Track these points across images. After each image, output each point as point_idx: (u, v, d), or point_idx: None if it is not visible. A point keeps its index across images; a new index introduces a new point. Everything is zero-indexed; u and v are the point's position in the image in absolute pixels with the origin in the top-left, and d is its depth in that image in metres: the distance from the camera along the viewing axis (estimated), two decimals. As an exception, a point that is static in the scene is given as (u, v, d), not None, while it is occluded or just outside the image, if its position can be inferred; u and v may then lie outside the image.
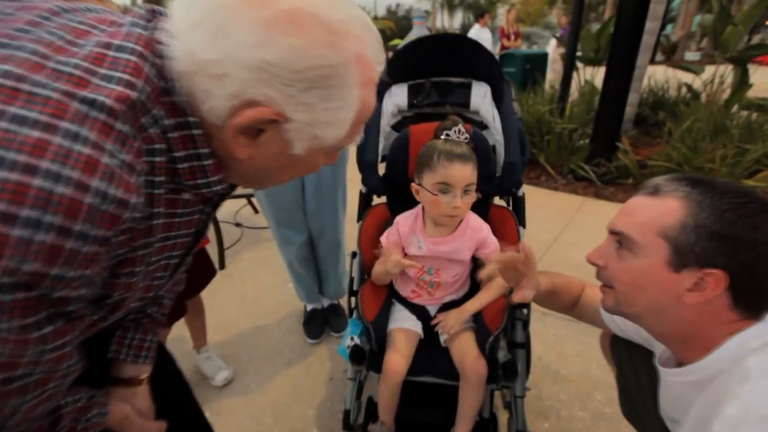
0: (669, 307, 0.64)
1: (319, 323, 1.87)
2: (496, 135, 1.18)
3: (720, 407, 0.56)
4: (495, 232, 1.06)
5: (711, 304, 0.61)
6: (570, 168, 3.50)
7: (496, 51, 6.60)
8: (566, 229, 2.74)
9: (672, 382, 0.73)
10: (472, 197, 0.97)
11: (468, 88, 1.20)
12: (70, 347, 0.44)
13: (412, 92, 1.23)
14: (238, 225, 3.00)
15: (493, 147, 1.18)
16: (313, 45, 0.41)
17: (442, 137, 0.97)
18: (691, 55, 13.30)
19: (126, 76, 0.39)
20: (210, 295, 2.16)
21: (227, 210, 3.15)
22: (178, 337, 1.81)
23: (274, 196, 1.57)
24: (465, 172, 0.94)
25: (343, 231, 1.74)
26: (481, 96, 1.19)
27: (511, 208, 1.19)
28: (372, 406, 1.01)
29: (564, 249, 2.48)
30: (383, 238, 1.05)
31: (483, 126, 1.22)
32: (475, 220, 1.04)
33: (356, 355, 0.96)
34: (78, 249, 0.36)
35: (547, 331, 1.83)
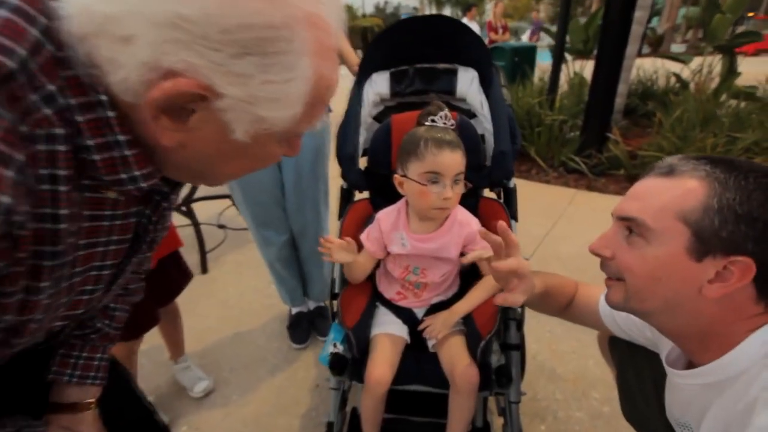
0: (687, 302, 0.57)
1: (305, 327, 1.79)
2: (485, 123, 1.10)
3: (748, 415, 0.50)
4: (485, 226, 0.98)
5: (733, 297, 0.54)
6: (561, 160, 3.46)
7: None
8: (558, 222, 2.69)
9: (682, 384, 0.66)
10: (461, 188, 0.89)
11: (454, 74, 1.12)
12: None
13: (395, 80, 1.15)
14: (221, 227, 2.89)
15: (482, 136, 1.11)
16: None
17: (427, 123, 0.88)
18: (677, 47, 13.46)
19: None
20: (190, 301, 2.07)
21: (210, 211, 3.04)
22: (153, 347, 1.71)
23: (252, 194, 1.48)
24: (455, 160, 0.87)
25: (327, 229, 1.65)
26: (467, 82, 1.11)
27: (502, 200, 1.11)
28: (356, 418, 0.93)
29: (556, 242, 2.43)
30: (363, 237, 0.97)
31: (471, 114, 1.14)
32: (463, 214, 0.96)
33: (337, 364, 0.88)
34: None
35: (541, 328, 1.77)
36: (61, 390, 0.63)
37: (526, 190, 3.33)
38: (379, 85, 1.14)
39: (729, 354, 0.56)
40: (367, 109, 1.14)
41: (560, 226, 2.63)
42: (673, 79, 4.50)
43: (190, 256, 2.50)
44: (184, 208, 2.26)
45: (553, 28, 4.54)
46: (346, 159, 1.04)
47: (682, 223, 0.55)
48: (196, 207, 2.36)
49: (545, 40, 7.18)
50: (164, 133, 0.37)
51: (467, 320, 0.91)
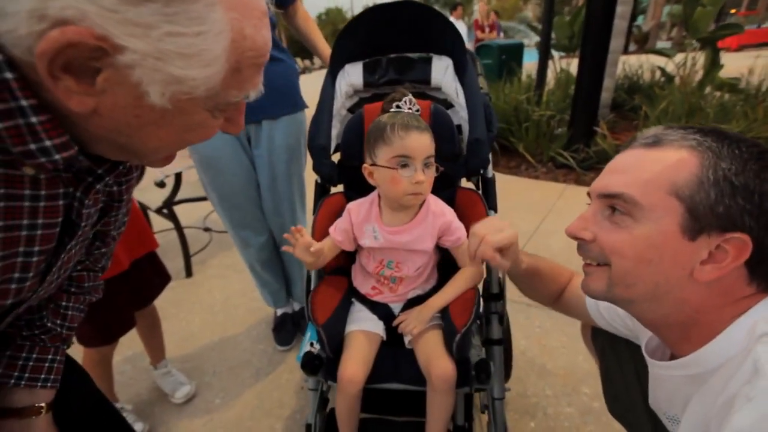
0: (675, 287, 0.52)
1: (290, 329, 1.75)
2: (461, 112, 1.08)
3: (727, 411, 0.45)
4: (462, 217, 0.95)
5: (723, 280, 0.50)
6: (550, 156, 3.45)
7: (471, 45, 6.57)
8: (548, 216, 2.67)
9: (665, 375, 0.62)
10: (433, 172, 0.87)
11: (428, 63, 1.10)
12: None
13: (368, 70, 1.12)
14: (206, 230, 2.85)
15: (459, 126, 1.08)
16: None
17: (392, 110, 0.86)
18: (663, 44, 13.64)
19: None
20: (173, 306, 2.03)
21: (196, 214, 3.00)
22: (136, 353, 1.67)
23: (226, 195, 1.44)
24: (424, 142, 0.84)
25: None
26: (442, 71, 1.08)
27: (480, 191, 1.08)
28: (333, 420, 0.89)
29: (546, 237, 2.42)
30: (332, 229, 0.93)
31: (448, 105, 1.12)
32: (436, 204, 0.93)
33: (309, 363, 0.85)
34: None
35: (531, 324, 1.74)
36: (7, 394, 0.59)
37: (515, 186, 3.32)
38: (353, 76, 1.11)
39: (710, 344, 0.52)
40: (341, 101, 1.11)
41: (550, 221, 2.62)
42: (658, 74, 4.54)
43: (174, 260, 2.47)
44: (165, 211, 2.22)
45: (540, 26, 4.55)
46: (317, 150, 1.01)
47: (674, 198, 0.49)
48: (180, 210, 2.32)
49: (533, 39, 7.22)
50: (71, 97, 0.34)
51: (444, 314, 0.87)
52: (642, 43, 13.48)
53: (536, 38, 4.99)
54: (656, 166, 0.51)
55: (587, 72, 3.15)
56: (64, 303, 0.65)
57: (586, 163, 3.26)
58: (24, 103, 0.34)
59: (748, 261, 0.48)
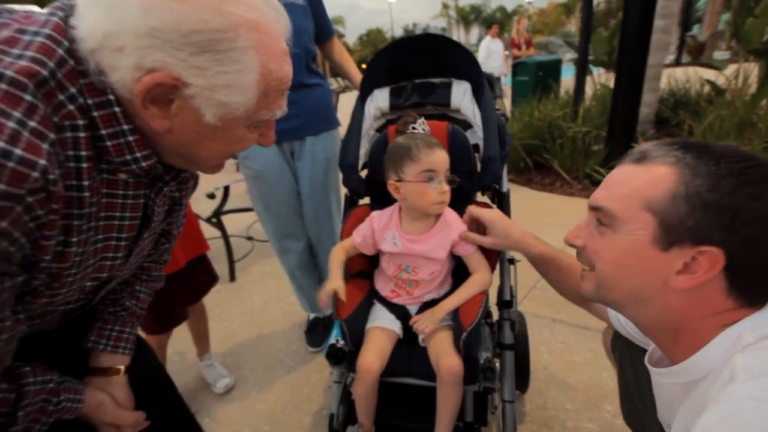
0: (654, 293, 0.55)
1: (321, 332, 1.87)
2: (478, 132, 1.17)
3: (699, 414, 0.47)
4: (477, 229, 1.03)
5: (702, 290, 0.52)
6: (586, 172, 3.39)
7: (508, 62, 6.58)
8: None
9: (663, 383, 0.64)
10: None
11: (448, 87, 1.20)
12: None
13: (394, 95, 1.24)
14: (249, 239, 3.08)
15: (476, 145, 1.17)
16: (198, 10, 0.44)
17: (408, 132, 0.97)
18: (721, 54, 12.75)
19: (36, 55, 0.43)
20: (218, 307, 2.22)
21: (240, 224, 3.24)
22: (184, 347, 1.86)
23: (272, 204, 1.62)
24: (445, 157, 0.96)
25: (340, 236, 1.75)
26: (461, 94, 1.18)
27: (496, 205, 1.16)
28: (353, 408, 0.99)
29: (577, 254, 2.39)
30: (355, 233, 1.05)
31: (466, 125, 1.21)
32: (451, 216, 1.02)
33: (333, 354, 0.95)
34: None
35: (555, 339, 1.75)
36: (96, 357, 0.75)
37: (549, 203, 3.29)
38: (380, 100, 1.24)
39: (698, 353, 0.54)
40: (369, 123, 1.24)
41: (581, 238, 2.58)
42: (706, 87, 4.33)
43: (219, 265, 2.69)
44: (214, 220, 2.45)
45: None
46: (346, 167, 1.14)
47: (647, 212, 0.53)
48: (226, 219, 2.55)
49: (574, 54, 7.11)
50: (154, 120, 0.49)
51: (454, 315, 0.96)
52: (697, 53, 12.72)
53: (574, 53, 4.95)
54: (635, 182, 0.56)
55: (624, 87, 3.10)
56: (137, 287, 0.81)
57: (623, 179, 3.17)
58: (125, 127, 0.50)
59: (727, 273, 0.51)
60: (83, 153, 0.48)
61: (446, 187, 0.96)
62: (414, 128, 0.97)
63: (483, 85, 1.15)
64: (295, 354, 1.83)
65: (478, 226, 1.01)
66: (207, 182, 2.18)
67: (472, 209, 1.00)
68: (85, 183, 0.50)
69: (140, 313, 0.81)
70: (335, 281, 0.96)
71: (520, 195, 3.39)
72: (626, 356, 0.87)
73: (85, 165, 0.49)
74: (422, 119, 0.99)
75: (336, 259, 1.04)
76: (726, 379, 0.48)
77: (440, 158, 0.95)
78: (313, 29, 1.49)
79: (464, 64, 1.16)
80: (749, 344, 0.49)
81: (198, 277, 1.47)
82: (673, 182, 0.52)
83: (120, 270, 0.65)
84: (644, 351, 0.81)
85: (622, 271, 0.58)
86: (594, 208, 0.62)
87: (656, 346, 0.70)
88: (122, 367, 0.76)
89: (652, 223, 0.53)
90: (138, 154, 0.52)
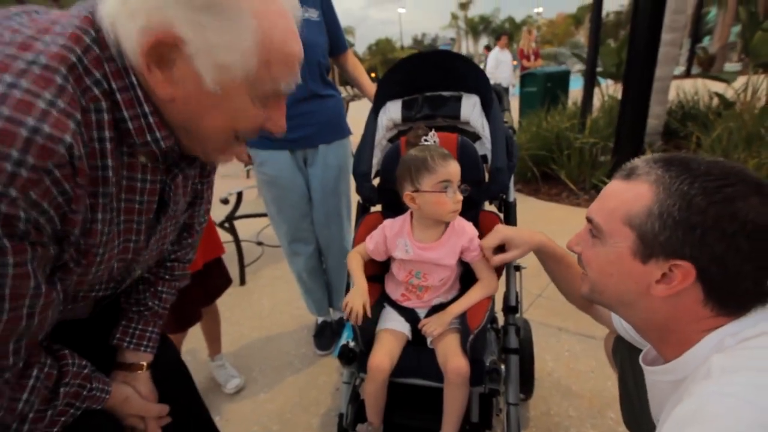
0: (639, 298, 0.60)
1: (329, 335, 1.91)
2: (487, 144, 1.21)
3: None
4: (483, 236, 1.08)
5: (681, 299, 0.57)
6: (593, 183, 3.42)
7: (516, 73, 6.63)
8: (586, 243, 2.65)
9: (655, 381, 0.69)
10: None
11: (458, 100, 1.26)
12: (31, 270, 0.48)
13: (406, 107, 1.30)
14: (259, 243, 3.14)
15: (484, 156, 1.22)
16: None
17: (421, 144, 1.02)
18: (732, 66, 12.67)
19: (67, 42, 0.48)
20: (228, 310, 2.27)
21: (251, 229, 3.31)
22: (196, 347, 1.91)
23: (285, 209, 1.68)
24: (458, 168, 1.01)
25: (349, 242, 1.80)
26: (470, 107, 1.24)
27: (503, 214, 1.20)
28: (362, 407, 1.03)
29: (583, 264, 2.40)
30: (368, 240, 1.10)
31: (475, 137, 1.26)
32: (460, 224, 1.07)
33: (345, 354, 1.00)
34: (17, 172, 0.43)
35: (560, 347, 1.77)
36: (121, 353, 0.80)
37: (556, 213, 3.32)
38: (392, 112, 1.29)
39: (688, 353, 0.58)
40: (382, 133, 1.30)
41: (588, 248, 2.60)
42: (715, 100, 4.34)
43: (230, 269, 2.74)
44: (227, 225, 2.52)
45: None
46: (360, 176, 1.20)
47: (627, 227, 0.58)
48: (238, 224, 2.61)
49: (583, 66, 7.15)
50: (159, 86, 0.51)
51: (461, 318, 0.99)
52: (707, 65, 12.68)
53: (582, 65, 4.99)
54: (620, 198, 0.61)
55: (631, 99, 3.13)
56: (160, 288, 0.86)
57: (630, 190, 3.18)
58: (146, 109, 0.53)
59: (703, 284, 0.55)
60: (106, 134, 0.52)
61: (460, 196, 1.00)
62: (426, 140, 1.02)
63: (492, 99, 1.20)
64: (303, 357, 1.87)
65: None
66: (221, 189, 2.25)
67: (486, 243, 1.02)
68: (109, 163, 0.53)
69: (163, 312, 0.86)
70: (363, 294, 0.98)
71: (527, 205, 3.42)
72: (627, 359, 0.90)
73: (108, 145, 0.52)
74: (432, 132, 1.04)
75: (357, 267, 1.07)
76: (703, 375, 0.52)
77: (454, 169, 0.99)
78: (327, 43, 1.56)
79: (473, 78, 1.21)
80: (729, 346, 0.53)
81: (214, 279, 1.53)
82: (650, 200, 0.57)
83: (143, 254, 0.69)
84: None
85: (607, 279, 0.64)
86: (588, 220, 0.67)
87: (651, 347, 0.74)
88: (145, 363, 0.81)
89: (631, 237, 0.58)
90: (158, 134, 0.55)
